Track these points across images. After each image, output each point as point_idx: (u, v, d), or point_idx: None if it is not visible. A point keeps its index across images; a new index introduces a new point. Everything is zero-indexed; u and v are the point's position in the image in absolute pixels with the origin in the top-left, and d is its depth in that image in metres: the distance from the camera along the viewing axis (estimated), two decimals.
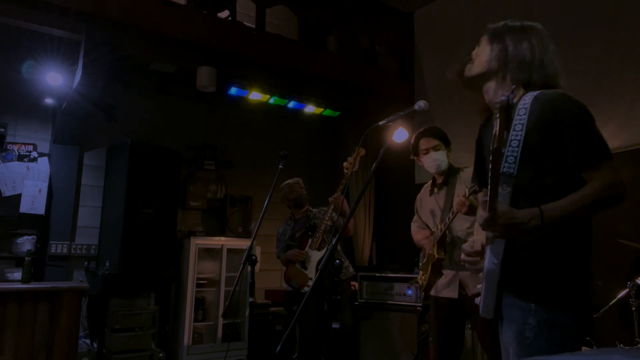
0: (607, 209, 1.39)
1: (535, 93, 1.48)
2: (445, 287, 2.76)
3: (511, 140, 1.44)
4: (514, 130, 1.44)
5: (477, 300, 1.54)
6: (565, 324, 1.39)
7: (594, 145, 1.40)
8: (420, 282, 2.90)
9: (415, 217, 3.14)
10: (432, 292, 2.84)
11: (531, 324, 1.39)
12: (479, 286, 1.53)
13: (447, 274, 2.75)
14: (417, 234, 3.03)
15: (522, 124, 1.43)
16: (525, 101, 1.47)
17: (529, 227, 1.34)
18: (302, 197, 4.01)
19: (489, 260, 1.44)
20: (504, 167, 1.42)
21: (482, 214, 1.35)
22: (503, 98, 1.26)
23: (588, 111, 1.45)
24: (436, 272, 2.76)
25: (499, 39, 1.59)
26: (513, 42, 1.57)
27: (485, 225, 1.35)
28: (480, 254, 1.56)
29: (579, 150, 1.40)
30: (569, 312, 1.39)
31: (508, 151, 1.43)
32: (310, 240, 3.84)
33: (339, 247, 3.88)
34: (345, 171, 3.40)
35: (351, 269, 4.00)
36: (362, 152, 3.38)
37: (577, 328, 1.41)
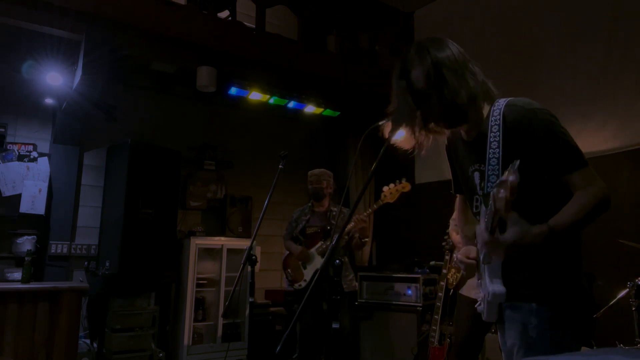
0: (601, 215, 1.39)
1: (501, 106, 1.47)
2: (475, 288, 2.77)
3: (490, 159, 1.44)
4: (491, 147, 1.44)
5: (480, 308, 1.55)
6: (567, 322, 1.41)
7: (571, 155, 1.40)
8: (452, 279, 2.93)
9: (454, 215, 3.12)
10: (462, 291, 2.87)
11: (533, 323, 1.41)
12: (479, 295, 1.55)
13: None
14: (455, 235, 3.02)
15: (498, 141, 1.43)
16: (495, 116, 1.46)
17: (537, 245, 1.33)
18: (318, 190, 3.93)
19: (489, 283, 1.44)
20: (488, 186, 1.43)
21: (483, 235, 1.35)
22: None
23: (558, 122, 1.44)
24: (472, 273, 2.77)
25: (438, 86, 1.47)
26: (456, 78, 1.47)
27: (486, 247, 1.36)
28: (476, 259, 1.59)
29: (558, 162, 1.40)
30: (569, 310, 1.42)
31: (489, 170, 1.44)
32: (320, 243, 3.83)
33: (346, 259, 3.87)
34: (382, 198, 3.34)
35: (354, 283, 3.97)
36: (408, 187, 3.31)
37: (578, 325, 1.43)
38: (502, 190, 1.22)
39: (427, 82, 1.47)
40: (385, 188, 3.33)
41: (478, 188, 1.56)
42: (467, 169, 1.62)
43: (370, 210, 3.59)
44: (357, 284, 4.07)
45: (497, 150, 1.42)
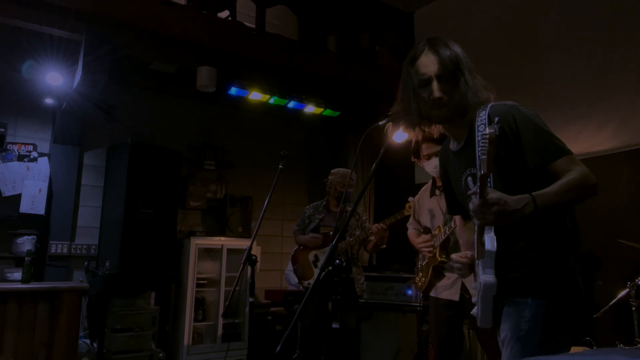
0: (587, 197, 1.42)
1: (487, 109, 1.52)
2: (447, 289, 2.76)
3: (480, 157, 1.45)
4: (479, 146, 1.47)
5: (474, 311, 1.56)
6: (559, 317, 1.43)
7: (554, 144, 1.46)
8: (420, 283, 2.91)
9: (411, 219, 3.15)
10: (432, 294, 2.84)
11: (527, 317, 1.44)
12: (474, 299, 1.56)
13: (450, 276, 2.75)
14: (414, 236, 3.03)
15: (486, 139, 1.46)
16: (482, 117, 1.51)
17: (523, 213, 1.35)
18: (348, 194, 3.85)
19: (482, 274, 1.46)
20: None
21: (474, 201, 1.35)
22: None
23: (539, 117, 1.51)
24: (438, 274, 2.76)
25: (459, 74, 1.54)
26: (470, 77, 1.55)
27: (477, 213, 1.35)
28: (468, 265, 1.63)
29: (543, 152, 1.45)
30: (563, 306, 1.44)
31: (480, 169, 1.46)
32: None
33: (359, 264, 3.84)
34: (408, 209, 3.33)
35: (364, 286, 3.95)
36: None
37: (571, 323, 1.46)
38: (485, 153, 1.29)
39: (444, 70, 1.52)
40: (410, 199, 3.31)
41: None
42: (460, 180, 1.65)
43: (392, 219, 3.52)
44: (365, 287, 4.03)
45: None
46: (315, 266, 3.80)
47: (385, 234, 3.57)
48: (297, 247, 3.93)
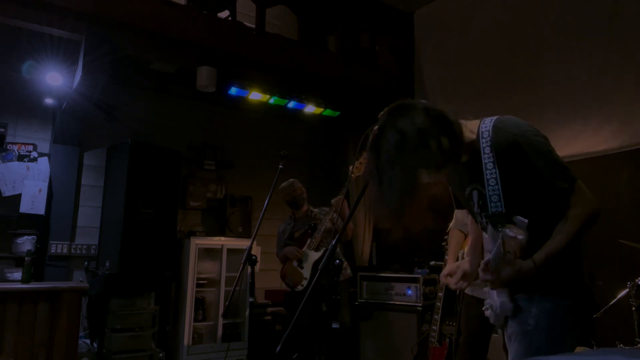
0: (590, 228, 1.46)
1: (489, 128, 1.50)
2: (482, 287, 2.76)
3: (488, 179, 1.48)
4: (487, 169, 1.49)
5: (487, 313, 1.60)
6: (565, 313, 1.45)
7: (556, 173, 1.45)
8: None
9: (453, 223, 3.07)
10: (467, 291, 2.86)
11: (533, 313, 1.46)
12: (487, 301, 1.61)
13: None
14: (455, 239, 2.99)
15: (492, 162, 1.48)
16: (485, 137, 1.50)
17: (528, 278, 1.43)
18: (296, 198, 4.10)
19: (497, 296, 1.53)
20: (492, 207, 1.48)
21: (486, 273, 1.45)
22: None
23: (544, 141, 1.48)
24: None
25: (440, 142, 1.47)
26: (454, 128, 1.49)
27: (486, 281, 1.48)
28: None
29: (548, 182, 1.45)
30: (569, 301, 1.46)
31: (489, 190, 1.48)
32: (309, 240, 3.92)
33: (338, 249, 3.92)
34: (352, 175, 3.39)
35: (349, 271, 4.05)
36: None
37: (577, 318, 1.47)
38: (512, 244, 1.36)
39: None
40: (350, 167, 3.38)
41: (476, 206, 1.61)
42: (464, 189, 1.66)
43: (344, 189, 3.69)
44: (351, 272, 4.15)
45: (494, 170, 1.47)
46: (302, 267, 3.96)
47: (343, 204, 3.75)
48: (282, 265, 4.12)
